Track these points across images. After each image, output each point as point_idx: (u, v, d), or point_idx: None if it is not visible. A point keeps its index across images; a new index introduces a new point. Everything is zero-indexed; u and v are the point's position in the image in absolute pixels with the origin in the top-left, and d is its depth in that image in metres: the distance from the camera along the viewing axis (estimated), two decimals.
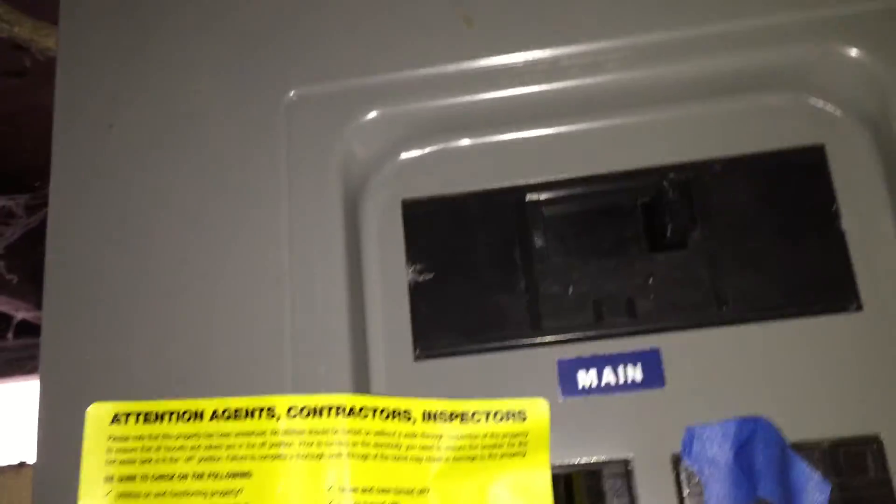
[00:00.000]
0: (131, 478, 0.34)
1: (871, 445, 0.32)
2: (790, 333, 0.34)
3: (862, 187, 0.35)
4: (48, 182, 0.39)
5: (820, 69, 0.36)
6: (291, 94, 0.38)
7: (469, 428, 0.35)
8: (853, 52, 0.35)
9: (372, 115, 0.38)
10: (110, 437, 0.34)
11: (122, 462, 0.34)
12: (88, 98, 0.39)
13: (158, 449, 0.34)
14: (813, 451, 0.32)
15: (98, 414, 0.34)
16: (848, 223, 0.35)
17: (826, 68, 0.36)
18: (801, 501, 0.31)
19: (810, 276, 0.35)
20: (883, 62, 0.35)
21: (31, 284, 0.80)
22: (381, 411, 0.34)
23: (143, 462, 0.34)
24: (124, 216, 0.37)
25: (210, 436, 0.34)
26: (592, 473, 0.33)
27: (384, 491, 0.33)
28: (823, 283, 0.35)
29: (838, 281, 0.35)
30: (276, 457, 0.33)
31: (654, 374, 0.34)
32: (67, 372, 0.35)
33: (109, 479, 0.34)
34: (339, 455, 0.33)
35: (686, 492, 0.32)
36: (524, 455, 0.34)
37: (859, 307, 0.34)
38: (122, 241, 0.37)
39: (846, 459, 0.32)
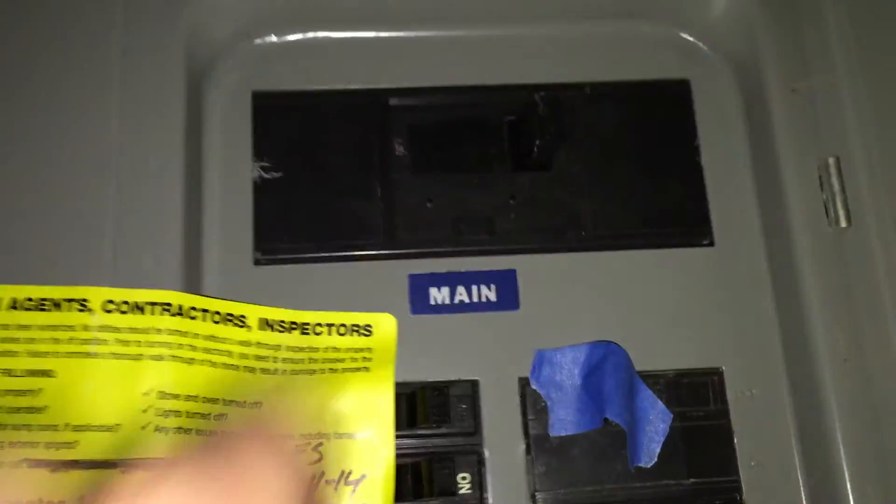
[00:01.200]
0: None
1: (712, 377, 0.32)
2: (644, 263, 0.34)
3: (723, 124, 0.36)
4: None
5: (691, 4, 0.36)
6: None
7: (309, 340, 0.32)
8: None
9: None
10: None
11: None
12: None
13: None
14: (658, 380, 0.32)
15: None
16: (707, 158, 0.35)
17: (697, 4, 0.36)
18: (644, 427, 0.31)
19: (667, 208, 0.35)
20: (750, 2, 0.35)
21: None
22: (213, 314, 0.31)
23: None
24: None
25: (6, 326, 0.29)
26: (438, 392, 0.32)
27: (211, 401, 0.30)
28: (679, 217, 0.35)
29: (694, 216, 0.35)
30: (86, 354, 0.29)
31: (509, 295, 0.33)
32: None
33: None
34: (161, 357, 0.29)
35: (531, 416, 0.31)
36: (368, 370, 0.31)
37: (711, 243, 0.34)
38: None
39: (688, 390, 0.32)
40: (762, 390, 0.32)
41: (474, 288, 0.33)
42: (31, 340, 0.29)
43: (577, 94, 0.35)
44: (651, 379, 0.32)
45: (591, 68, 0.36)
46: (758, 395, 0.32)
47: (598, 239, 0.34)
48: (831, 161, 0.32)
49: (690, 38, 0.37)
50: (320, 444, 0.30)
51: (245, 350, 0.31)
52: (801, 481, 0.31)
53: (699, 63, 0.36)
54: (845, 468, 0.30)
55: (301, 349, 0.32)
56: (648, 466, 0.31)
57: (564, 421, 0.31)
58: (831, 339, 0.31)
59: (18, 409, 0.29)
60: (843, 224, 0.32)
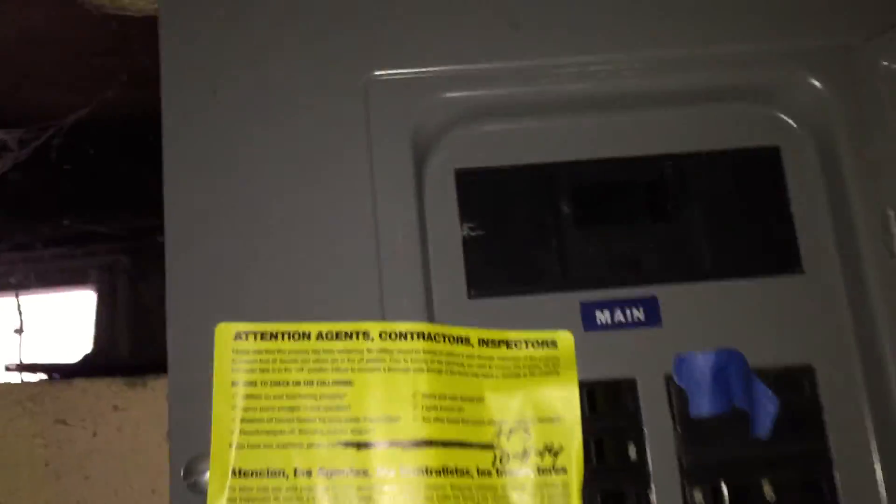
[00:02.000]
0: (253, 383, 0.42)
1: (807, 373, 0.44)
2: (750, 288, 0.46)
3: (807, 181, 0.47)
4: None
5: (784, 89, 0.48)
6: (372, 74, 0.46)
7: (513, 352, 0.45)
8: (812, 79, 0.47)
9: (438, 98, 0.46)
10: (234, 351, 0.42)
11: (246, 371, 0.42)
12: (192, 61, 0.46)
13: (274, 361, 0.42)
14: (767, 374, 0.44)
15: (224, 331, 0.43)
16: (796, 208, 0.47)
17: (789, 89, 0.48)
18: (760, 409, 0.43)
19: (766, 245, 0.47)
20: (830, 87, 0.47)
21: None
22: (448, 337, 0.44)
23: (262, 371, 0.42)
24: (232, 167, 0.45)
25: (317, 352, 0.43)
26: (608, 387, 0.44)
27: (452, 398, 0.43)
28: (775, 251, 0.47)
29: (787, 250, 0.46)
30: (372, 370, 0.43)
31: (653, 315, 0.45)
32: (193, 296, 0.43)
33: (236, 383, 0.42)
34: (420, 370, 0.43)
35: (675, 404, 0.44)
36: (557, 374, 0.44)
37: (801, 271, 0.46)
38: (230, 190, 0.45)
39: (789, 382, 0.44)
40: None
41: (628, 310, 0.45)
42: (335, 360, 0.43)
43: (698, 160, 0.48)
44: (760, 374, 0.44)
45: (706, 139, 0.48)
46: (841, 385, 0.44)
47: (715, 271, 0.46)
48: (891, 213, 0.44)
49: (781, 114, 0.48)
50: (528, 425, 0.43)
51: (471, 361, 0.44)
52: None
53: (788, 134, 0.48)
54: None
55: (507, 359, 0.45)
56: (765, 437, 0.43)
57: (702, 405, 0.43)
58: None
59: (330, 408, 0.42)
60: None
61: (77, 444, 0.58)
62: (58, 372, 0.59)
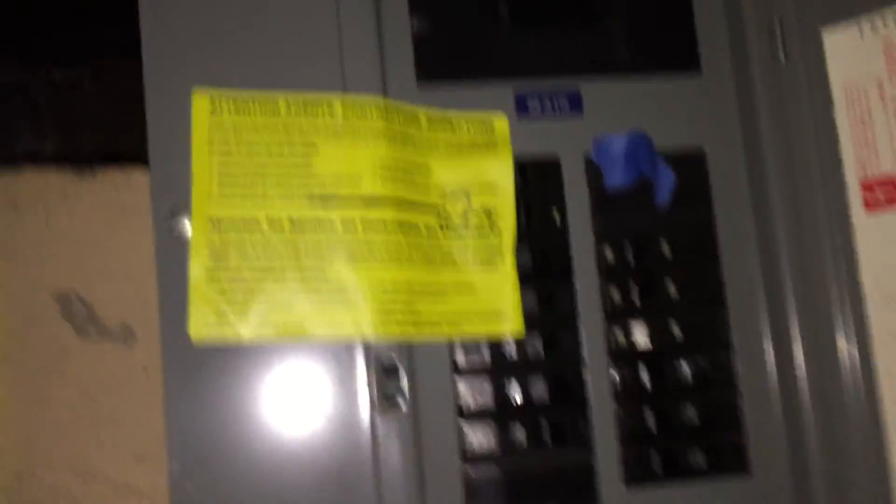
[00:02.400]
0: (228, 143, 0.47)
1: (699, 154, 0.53)
2: (657, 84, 0.54)
3: None
4: None
5: None
6: None
7: (456, 130, 0.51)
8: None
9: None
10: (211, 113, 0.47)
11: (221, 132, 0.47)
12: None
13: (247, 126, 0.48)
14: (668, 154, 0.53)
15: (201, 98, 0.47)
16: (697, 14, 0.55)
17: None
18: (662, 183, 0.52)
19: (671, 48, 0.55)
20: None
21: None
22: (402, 112, 0.50)
23: (236, 138, 0.47)
24: None
25: (286, 121, 0.48)
26: (537, 164, 0.52)
27: (405, 165, 0.49)
28: (679, 53, 0.54)
29: (688, 52, 0.54)
30: (336, 137, 0.48)
31: (577, 105, 0.53)
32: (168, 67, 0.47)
33: (212, 143, 0.47)
34: (378, 139, 0.49)
35: (591, 179, 0.52)
36: (494, 150, 0.51)
37: (699, 70, 0.54)
38: None
39: (685, 162, 0.53)
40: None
41: (555, 100, 0.53)
42: (302, 128, 0.48)
43: None
44: (664, 152, 0.53)
45: None
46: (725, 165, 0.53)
47: (629, 68, 0.54)
48: (776, 19, 0.52)
49: None
50: (469, 193, 0.50)
51: (420, 136, 0.50)
52: None
53: None
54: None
55: (451, 136, 0.51)
56: (664, 205, 0.52)
57: (614, 179, 0.52)
58: None
59: (298, 166, 0.48)
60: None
61: (29, 229, 0.61)
62: (7, 161, 0.62)
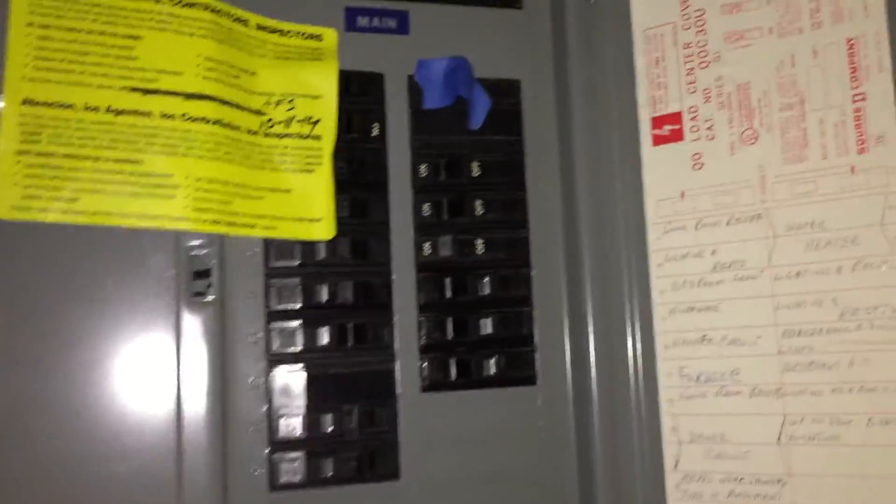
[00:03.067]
0: (48, 26, 0.47)
1: (515, 84, 0.57)
2: (480, 14, 0.57)
3: None
4: None
5: None
6: None
7: (285, 39, 0.53)
8: None
9: None
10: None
11: (41, 14, 0.46)
12: None
13: (69, 10, 0.47)
14: (486, 82, 0.56)
15: None
16: None
17: None
18: (477, 105, 0.55)
19: None
20: None
21: None
22: (232, 14, 0.51)
23: (58, 17, 0.47)
24: None
25: (110, 7, 0.48)
26: (362, 77, 0.54)
27: (231, 66, 0.50)
28: None
29: None
30: (161, 29, 0.48)
31: (404, 25, 0.55)
32: None
33: (31, 24, 0.46)
34: (205, 36, 0.49)
35: (412, 97, 0.54)
36: (321, 60, 0.53)
37: (520, 6, 0.58)
38: None
39: (502, 90, 0.56)
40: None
41: (384, 18, 0.55)
42: (127, 16, 0.48)
43: None
44: (482, 81, 0.56)
45: None
46: (538, 97, 0.57)
47: None
48: None
49: None
50: (293, 99, 0.52)
51: (249, 41, 0.51)
52: None
53: None
54: None
55: (279, 45, 0.52)
56: (477, 128, 0.55)
57: (433, 99, 0.54)
58: None
59: (120, 57, 0.48)
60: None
61: None
62: None
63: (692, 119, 0.53)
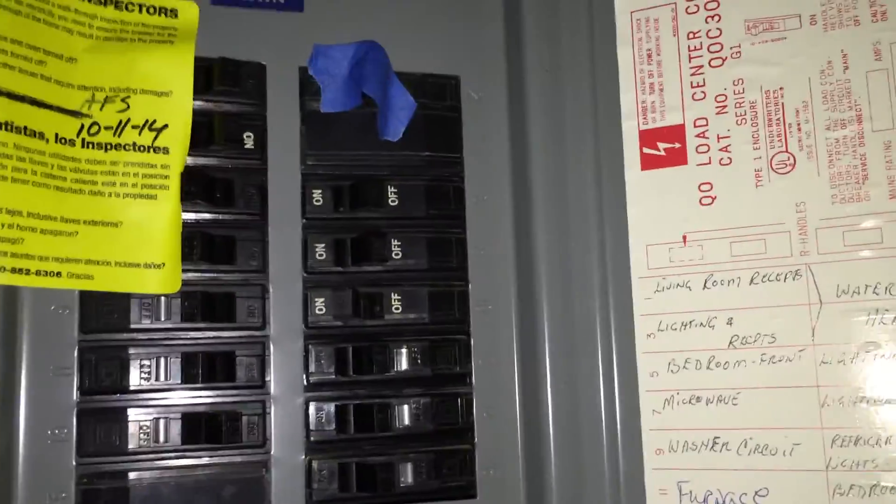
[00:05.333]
0: None
1: (451, 81, 0.41)
2: None
3: None
4: None
5: None
6: None
7: (122, 14, 0.38)
8: None
9: None
10: None
11: None
12: None
13: None
14: (408, 78, 0.40)
15: None
16: None
17: None
18: (394, 108, 0.40)
19: None
20: None
21: None
22: None
23: None
24: None
25: None
26: (233, 67, 0.39)
27: (33, 48, 0.35)
28: None
29: None
30: None
31: (297, 1, 0.40)
32: None
33: None
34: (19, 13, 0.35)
35: (307, 96, 0.39)
36: (172, 44, 0.38)
37: None
38: None
39: (431, 89, 0.41)
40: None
41: None
42: None
43: None
44: (404, 77, 0.40)
45: None
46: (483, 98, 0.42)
47: None
48: None
49: None
50: (128, 96, 0.37)
51: (64, 13, 0.37)
52: None
53: None
54: None
55: (113, 20, 0.38)
56: (395, 140, 0.40)
57: (334, 100, 0.39)
58: None
59: None
60: None
61: None
62: None
63: (699, 135, 0.39)
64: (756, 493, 0.35)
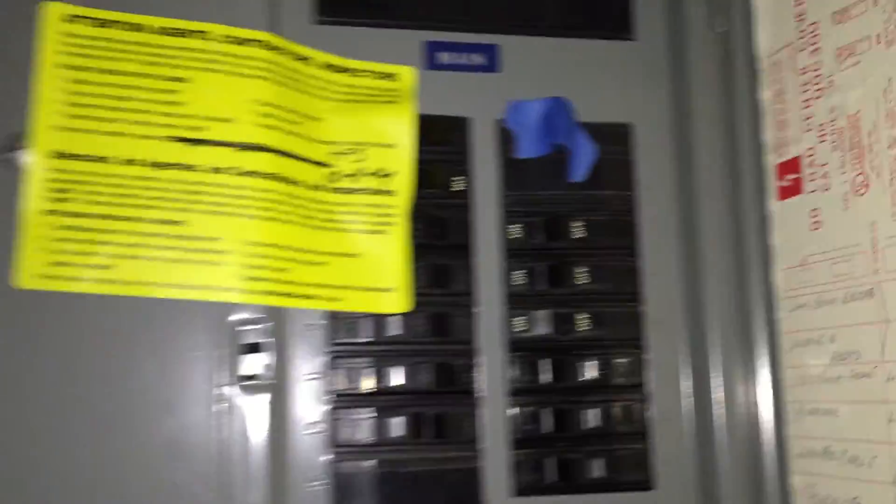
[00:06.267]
0: (81, 68, 0.40)
1: (625, 128, 0.48)
2: (584, 48, 0.48)
3: None
4: None
5: None
6: None
7: (354, 80, 0.45)
8: None
9: None
10: (64, 34, 0.40)
11: (75, 55, 0.40)
12: None
13: (106, 49, 0.41)
14: (590, 127, 0.47)
15: (53, 12, 0.40)
16: None
17: None
18: (579, 155, 0.46)
19: (602, 9, 0.49)
20: None
21: None
22: (292, 53, 0.44)
23: (93, 58, 0.41)
24: None
25: (152, 45, 0.41)
26: (443, 123, 0.46)
27: (291, 111, 0.43)
28: (610, 16, 0.49)
29: (621, 16, 0.49)
30: (209, 70, 0.42)
31: (493, 61, 0.47)
32: None
33: (63, 67, 0.40)
34: (261, 77, 0.42)
35: (502, 145, 0.46)
36: (395, 104, 0.45)
37: (632, 38, 0.49)
38: None
39: (609, 136, 0.47)
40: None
41: (470, 54, 0.47)
42: (171, 57, 0.42)
43: None
44: (585, 126, 0.47)
45: None
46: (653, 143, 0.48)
47: (555, 27, 0.48)
48: None
49: None
50: (363, 149, 0.44)
51: (310, 81, 0.44)
52: None
53: None
54: None
55: (348, 86, 0.45)
56: (580, 181, 0.46)
57: (527, 148, 0.46)
58: None
59: (163, 102, 0.41)
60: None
61: None
62: None
63: (809, 165, 0.43)
64: (853, 500, 0.39)
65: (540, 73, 0.47)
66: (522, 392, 0.45)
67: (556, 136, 0.46)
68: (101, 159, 0.40)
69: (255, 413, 0.41)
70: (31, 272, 0.39)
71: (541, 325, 0.45)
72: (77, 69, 0.40)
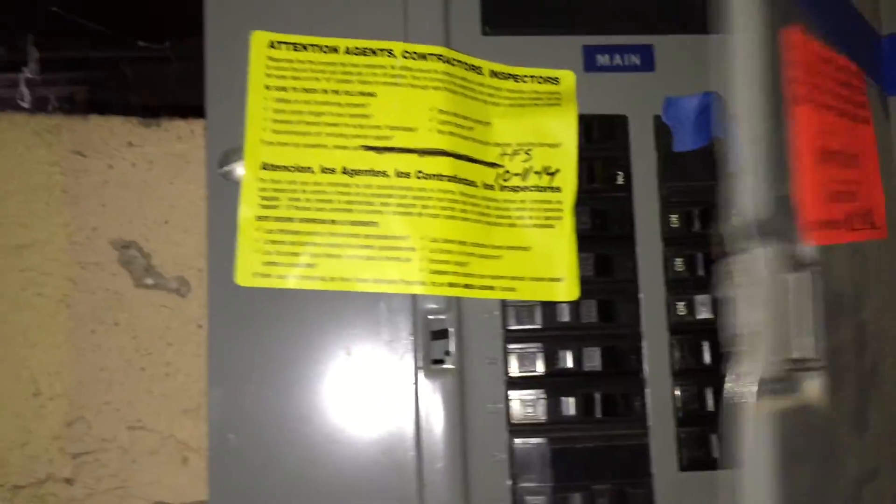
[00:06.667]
0: (284, 89, 0.46)
1: None
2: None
3: None
4: None
5: None
6: None
7: (520, 85, 0.49)
8: None
9: None
10: (269, 58, 0.46)
11: (278, 77, 0.46)
12: None
13: (304, 70, 0.46)
14: None
15: (260, 40, 0.46)
16: None
17: None
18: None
19: None
20: None
21: None
22: (464, 63, 0.48)
23: (294, 79, 0.46)
24: None
25: (344, 65, 0.46)
26: (603, 121, 0.49)
27: (464, 118, 0.47)
28: None
29: None
30: (393, 84, 0.46)
31: (648, 61, 0.50)
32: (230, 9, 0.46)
33: (269, 88, 0.46)
34: (438, 88, 0.47)
35: (660, 140, 0.49)
36: (559, 106, 0.49)
37: None
38: None
39: None
40: None
41: (626, 55, 0.50)
42: (360, 73, 0.46)
43: None
44: None
45: None
46: None
47: (706, 25, 0.50)
48: None
49: None
50: (530, 149, 0.48)
51: (481, 88, 0.48)
52: None
53: None
54: None
55: (514, 91, 0.49)
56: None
57: (683, 141, 0.49)
58: None
59: (354, 115, 0.46)
60: None
61: (93, 175, 0.62)
62: (73, 108, 0.62)
63: None
64: None
65: (693, 71, 0.50)
66: (685, 373, 0.48)
67: (711, 129, 0.48)
68: (303, 169, 0.45)
69: (442, 391, 0.46)
70: (248, 271, 0.45)
71: (701, 308, 0.48)
72: (280, 90, 0.46)
